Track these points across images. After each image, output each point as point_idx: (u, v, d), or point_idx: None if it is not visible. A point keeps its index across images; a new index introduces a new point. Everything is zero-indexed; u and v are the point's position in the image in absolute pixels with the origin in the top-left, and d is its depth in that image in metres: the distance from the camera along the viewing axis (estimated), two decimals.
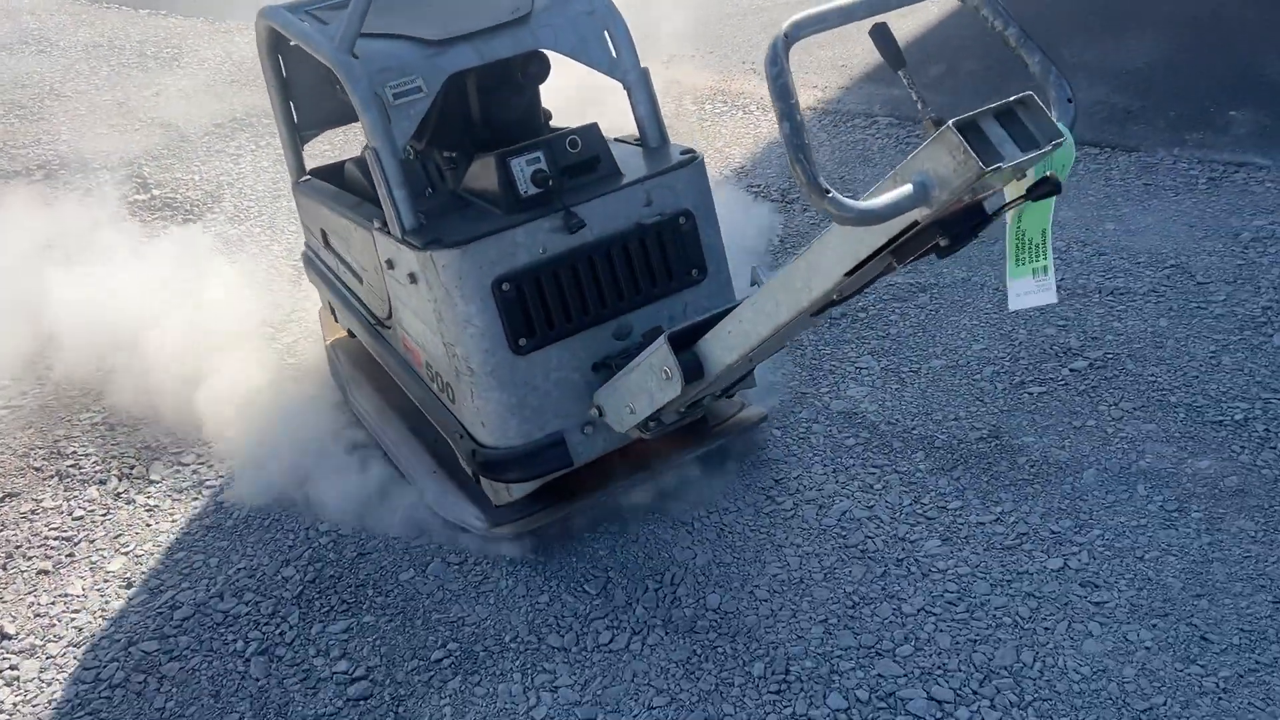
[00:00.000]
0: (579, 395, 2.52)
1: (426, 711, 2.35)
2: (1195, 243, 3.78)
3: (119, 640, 2.60)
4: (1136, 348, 3.27)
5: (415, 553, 2.78)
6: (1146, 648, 2.32)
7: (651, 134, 2.70)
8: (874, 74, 5.60)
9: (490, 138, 2.70)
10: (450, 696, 2.38)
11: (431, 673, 2.44)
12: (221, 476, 3.14)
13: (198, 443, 3.29)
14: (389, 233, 2.50)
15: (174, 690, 2.46)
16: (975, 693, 2.26)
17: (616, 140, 2.70)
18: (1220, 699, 2.20)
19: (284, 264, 4.31)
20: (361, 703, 2.38)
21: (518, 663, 2.44)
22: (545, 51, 2.64)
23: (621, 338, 2.54)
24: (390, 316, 2.77)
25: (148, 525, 2.99)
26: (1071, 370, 3.21)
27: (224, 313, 3.77)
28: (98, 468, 3.24)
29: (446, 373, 2.55)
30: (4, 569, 2.86)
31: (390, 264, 2.58)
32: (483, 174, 2.52)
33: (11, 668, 2.55)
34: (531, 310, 2.43)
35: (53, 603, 2.74)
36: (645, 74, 2.67)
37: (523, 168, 2.44)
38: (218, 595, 2.71)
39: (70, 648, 2.59)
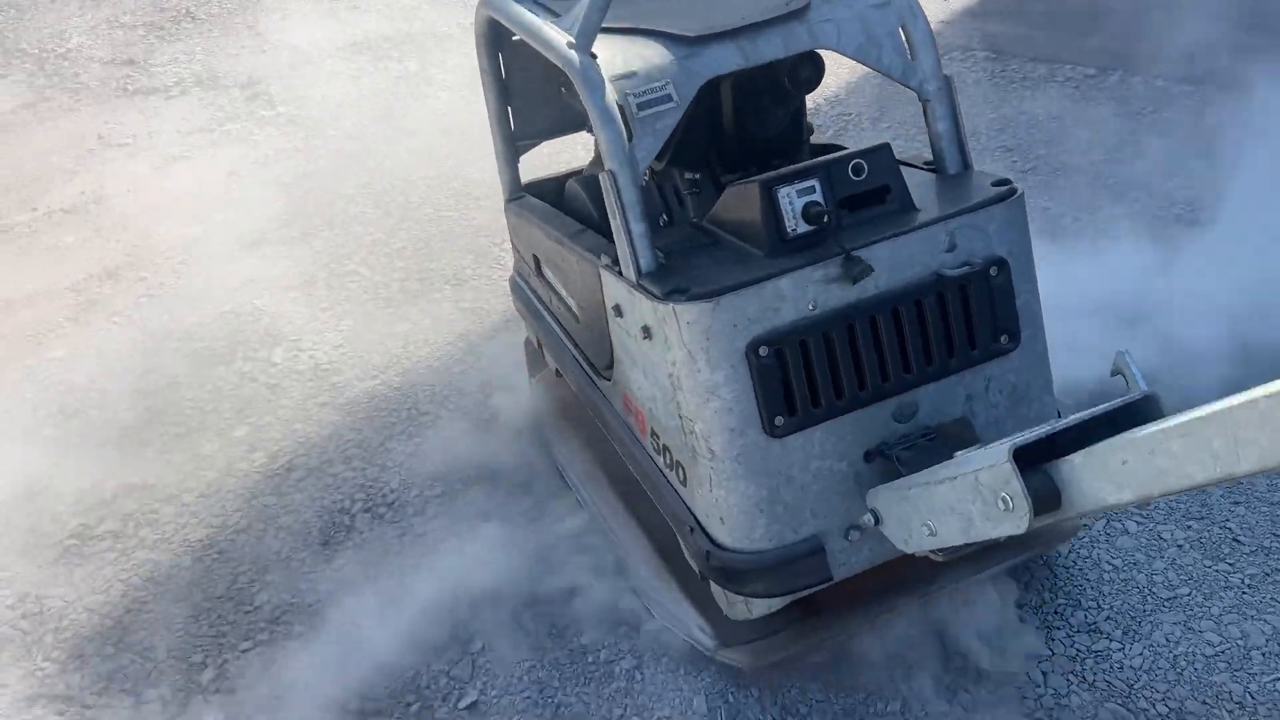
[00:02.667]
0: (844, 490, 2.00)
1: None
2: None
3: (242, 494, 2.94)
4: None
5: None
6: (1179, 545, 2.46)
7: (951, 158, 2.18)
8: (974, 8, 5.61)
9: (741, 157, 2.32)
10: None
11: None
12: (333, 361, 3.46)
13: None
14: (620, 273, 2.04)
15: (287, 537, 2.79)
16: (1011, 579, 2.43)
17: (902, 164, 2.13)
18: (1244, 593, 2.33)
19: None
20: None
21: None
22: (820, 53, 2.18)
23: (903, 420, 2.01)
24: (611, 367, 2.28)
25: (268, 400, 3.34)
26: None
27: None
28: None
29: (679, 449, 2.06)
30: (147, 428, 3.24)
31: (619, 310, 2.12)
32: (738, 204, 2.05)
33: (152, 511, 2.92)
34: (794, 382, 1.92)
35: (186, 460, 3.09)
36: (949, 83, 2.18)
37: (792, 198, 1.94)
38: (328, 461, 3.04)
39: (201, 497, 2.95)
